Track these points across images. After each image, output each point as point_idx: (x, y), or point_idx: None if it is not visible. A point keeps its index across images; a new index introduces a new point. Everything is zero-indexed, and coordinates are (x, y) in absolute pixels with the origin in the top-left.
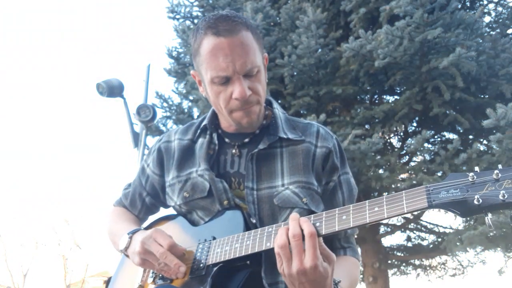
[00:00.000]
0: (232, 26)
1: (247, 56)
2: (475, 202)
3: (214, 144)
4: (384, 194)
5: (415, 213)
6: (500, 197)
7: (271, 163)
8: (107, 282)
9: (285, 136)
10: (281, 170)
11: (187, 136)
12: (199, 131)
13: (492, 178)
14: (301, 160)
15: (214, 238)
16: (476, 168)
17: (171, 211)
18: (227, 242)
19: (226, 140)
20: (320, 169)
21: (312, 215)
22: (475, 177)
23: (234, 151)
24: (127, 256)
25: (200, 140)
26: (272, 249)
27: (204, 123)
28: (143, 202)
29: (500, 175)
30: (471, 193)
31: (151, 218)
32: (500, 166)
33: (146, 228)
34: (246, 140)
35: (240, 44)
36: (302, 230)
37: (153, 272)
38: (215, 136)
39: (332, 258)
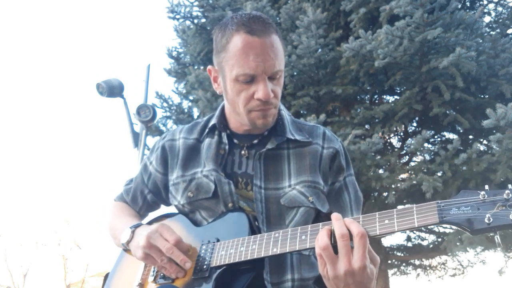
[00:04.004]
0: (265, 27)
1: (276, 58)
2: (486, 221)
3: (225, 144)
4: (384, 194)
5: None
6: (511, 217)
7: (278, 164)
8: (105, 278)
9: (292, 137)
10: (288, 172)
11: (192, 136)
12: (207, 130)
13: (503, 198)
14: (308, 161)
15: (217, 240)
16: (486, 187)
17: (171, 209)
18: (232, 245)
19: (235, 140)
20: (327, 169)
21: (321, 223)
22: (486, 195)
23: (243, 152)
24: (128, 250)
25: (207, 140)
26: (277, 254)
27: (212, 122)
28: (144, 199)
29: (510, 195)
30: (481, 212)
31: (151, 215)
32: (510, 186)
33: (148, 224)
34: (255, 141)
35: (271, 45)
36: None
37: (153, 271)
38: (224, 136)
39: (377, 260)
